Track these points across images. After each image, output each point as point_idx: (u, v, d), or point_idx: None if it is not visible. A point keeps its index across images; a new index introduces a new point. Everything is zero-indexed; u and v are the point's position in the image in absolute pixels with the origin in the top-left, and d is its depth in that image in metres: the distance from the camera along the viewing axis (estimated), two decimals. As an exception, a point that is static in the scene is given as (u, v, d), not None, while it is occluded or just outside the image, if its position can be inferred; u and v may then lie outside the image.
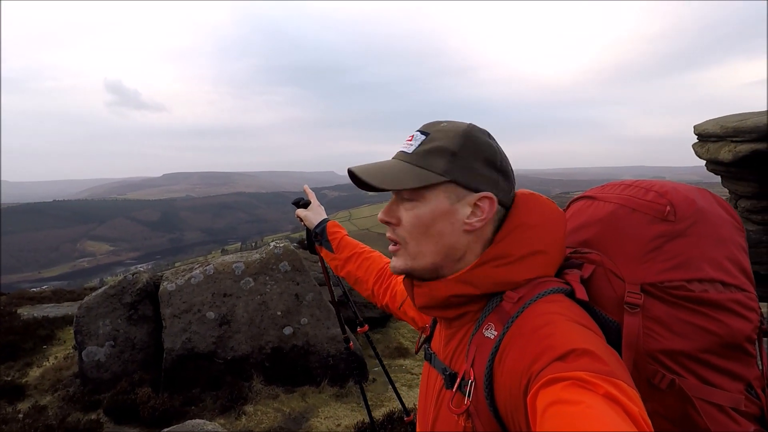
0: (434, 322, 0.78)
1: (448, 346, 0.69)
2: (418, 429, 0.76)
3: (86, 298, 4.47)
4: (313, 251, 1.25)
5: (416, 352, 0.82)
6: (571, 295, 0.63)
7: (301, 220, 1.25)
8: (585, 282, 0.66)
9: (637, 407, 0.44)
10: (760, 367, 0.66)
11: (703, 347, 0.60)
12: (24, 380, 4.56)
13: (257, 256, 4.63)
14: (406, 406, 1.72)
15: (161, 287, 4.42)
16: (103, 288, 4.60)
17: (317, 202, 1.27)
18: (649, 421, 0.44)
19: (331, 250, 1.14)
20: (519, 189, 0.71)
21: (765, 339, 0.64)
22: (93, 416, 3.69)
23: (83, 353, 4.25)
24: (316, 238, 1.19)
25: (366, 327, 1.49)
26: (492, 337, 0.60)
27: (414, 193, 0.66)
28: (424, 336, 0.81)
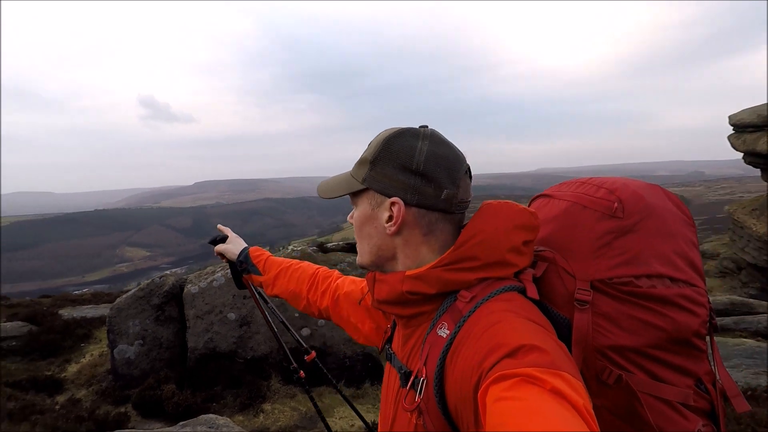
0: (394, 324, 0.79)
1: (406, 346, 0.70)
2: (379, 428, 0.77)
3: (117, 300, 4.74)
4: (240, 286, 1.20)
5: (380, 353, 0.84)
6: (524, 292, 0.64)
7: (223, 256, 1.21)
8: (538, 280, 0.67)
9: (582, 399, 0.45)
10: (711, 363, 0.65)
11: (651, 343, 0.61)
12: (63, 375, 4.89)
13: (275, 259, 4.78)
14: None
15: (185, 290, 4.63)
16: (133, 290, 4.86)
17: (234, 235, 1.24)
18: (593, 412, 0.45)
19: (258, 273, 1.12)
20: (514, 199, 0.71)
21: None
22: (122, 409, 3.91)
23: (115, 351, 4.51)
24: (241, 266, 1.15)
25: (313, 354, 1.37)
26: (445, 335, 0.61)
27: (352, 200, 0.74)
28: (385, 337, 0.82)
